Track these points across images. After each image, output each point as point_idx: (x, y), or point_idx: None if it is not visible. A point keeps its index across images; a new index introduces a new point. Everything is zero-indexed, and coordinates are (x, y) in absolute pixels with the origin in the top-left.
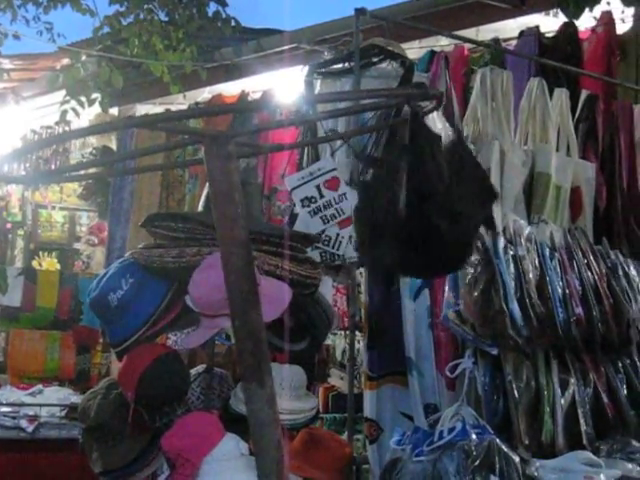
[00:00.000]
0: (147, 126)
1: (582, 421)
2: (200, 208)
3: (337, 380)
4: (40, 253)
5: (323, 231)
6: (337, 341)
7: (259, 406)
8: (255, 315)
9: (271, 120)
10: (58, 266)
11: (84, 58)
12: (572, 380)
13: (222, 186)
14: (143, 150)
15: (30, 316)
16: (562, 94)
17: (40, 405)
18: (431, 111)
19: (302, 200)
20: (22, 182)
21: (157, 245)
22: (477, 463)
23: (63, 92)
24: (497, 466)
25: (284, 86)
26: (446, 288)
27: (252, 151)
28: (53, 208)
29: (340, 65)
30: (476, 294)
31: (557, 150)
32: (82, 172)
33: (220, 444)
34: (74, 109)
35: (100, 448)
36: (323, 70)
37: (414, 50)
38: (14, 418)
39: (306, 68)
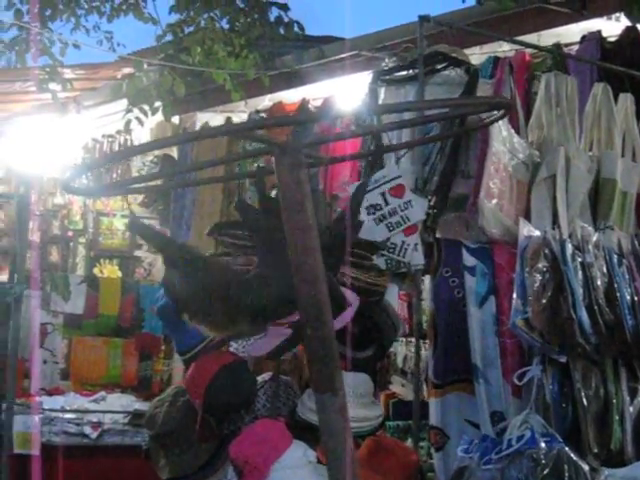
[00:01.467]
0: (216, 135)
1: None
2: None
3: (398, 387)
4: (101, 261)
5: (388, 238)
6: (398, 348)
7: (331, 415)
8: (327, 324)
9: (332, 129)
10: (119, 273)
11: (146, 67)
12: None
13: (293, 195)
14: (210, 162)
15: (92, 323)
16: (627, 99)
17: (104, 412)
18: (499, 119)
19: (367, 208)
20: (86, 194)
21: (223, 253)
22: (546, 472)
23: (124, 101)
24: (566, 475)
25: (345, 93)
26: (514, 295)
27: (315, 162)
28: (114, 216)
29: (404, 72)
30: (544, 301)
31: (622, 156)
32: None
33: (288, 452)
34: (137, 118)
35: (167, 455)
36: (387, 77)
37: (475, 56)
38: (78, 425)
39: (370, 75)
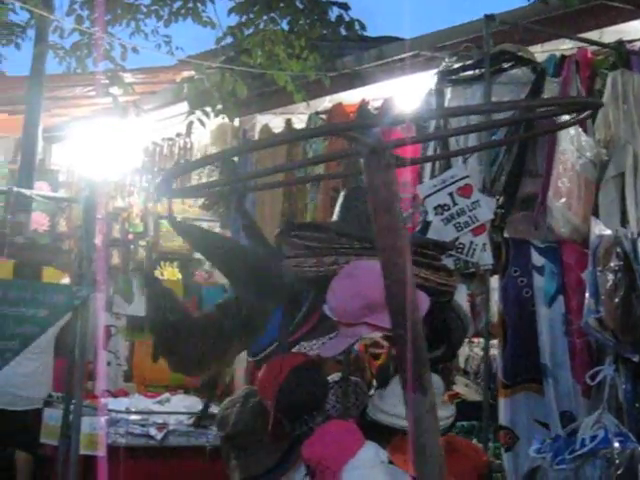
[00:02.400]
0: (293, 140)
1: None
2: (335, 217)
3: (462, 387)
4: (161, 263)
5: (457, 238)
6: (461, 348)
7: (421, 414)
8: (417, 324)
9: (392, 131)
10: (179, 276)
11: (206, 70)
12: None
13: (383, 196)
14: (285, 166)
15: None
16: None
17: (169, 413)
18: (585, 119)
19: (435, 208)
20: (176, 196)
21: (293, 255)
22: (620, 471)
23: (184, 104)
24: None
25: (405, 94)
26: (586, 294)
27: (399, 163)
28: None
29: (470, 72)
30: (617, 300)
31: None
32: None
33: (360, 452)
34: (200, 119)
35: (239, 456)
36: (453, 77)
37: (536, 54)
38: (143, 426)
39: (435, 76)
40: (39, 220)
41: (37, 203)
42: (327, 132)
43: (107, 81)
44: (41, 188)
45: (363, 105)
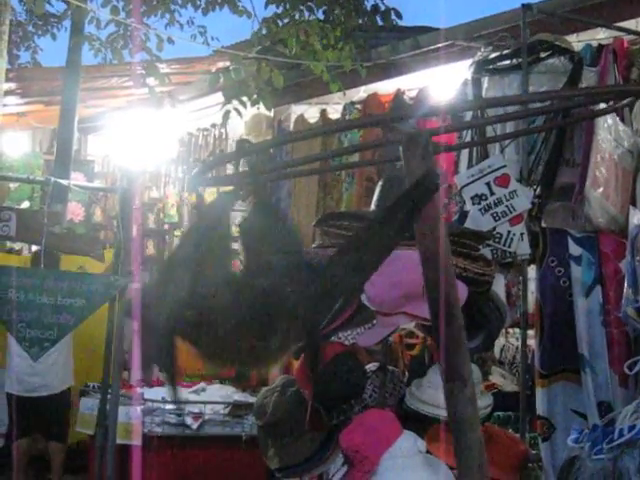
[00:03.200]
0: (332, 132)
1: None
2: (373, 206)
3: (498, 378)
4: None
5: (494, 228)
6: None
7: (462, 405)
8: (457, 315)
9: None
10: None
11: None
12: None
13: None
14: (320, 155)
15: None
16: None
17: (205, 402)
18: (622, 107)
19: (472, 197)
20: (213, 185)
21: (331, 244)
22: None
23: (218, 95)
24: None
25: (440, 84)
26: (625, 284)
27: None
28: None
29: (507, 61)
30: None
31: None
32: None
33: (398, 441)
34: (236, 109)
35: (277, 445)
36: (490, 67)
37: (573, 44)
38: (179, 415)
39: (472, 66)
40: (75, 210)
41: (72, 194)
42: (362, 124)
43: (143, 72)
44: (76, 179)
45: (398, 95)
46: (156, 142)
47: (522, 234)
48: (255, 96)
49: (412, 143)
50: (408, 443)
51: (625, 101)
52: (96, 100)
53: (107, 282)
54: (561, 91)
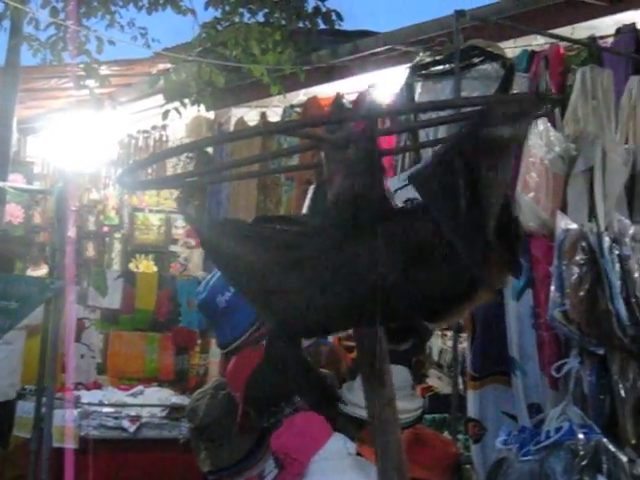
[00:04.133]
0: (265, 134)
1: None
2: (305, 210)
3: (435, 380)
4: (137, 256)
5: None
6: (434, 341)
7: (380, 406)
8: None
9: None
10: (155, 268)
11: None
12: None
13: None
14: (252, 158)
15: (129, 318)
16: None
17: (142, 405)
18: (545, 114)
19: (405, 202)
20: (139, 189)
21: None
22: (584, 463)
23: (159, 97)
24: (604, 466)
25: (379, 88)
26: (552, 288)
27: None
28: (150, 211)
29: (440, 67)
30: (582, 294)
31: None
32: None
33: (328, 443)
34: (176, 109)
35: (208, 447)
36: (423, 72)
37: (509, 50)
38: (116, 418)
39: (406, 70)
40: (14, 212)
41: (11, 195)
42: (298, 126)
43: (82, 73)
44: (15, 180)
45: (338, 99)
46: (96, 144)
47: None
48: (195, 96)
49: (334, 150)
50: (337, 445)
51: (544, 110)
52: (36, 101)
53: (42, 284)
54: (475, 98)
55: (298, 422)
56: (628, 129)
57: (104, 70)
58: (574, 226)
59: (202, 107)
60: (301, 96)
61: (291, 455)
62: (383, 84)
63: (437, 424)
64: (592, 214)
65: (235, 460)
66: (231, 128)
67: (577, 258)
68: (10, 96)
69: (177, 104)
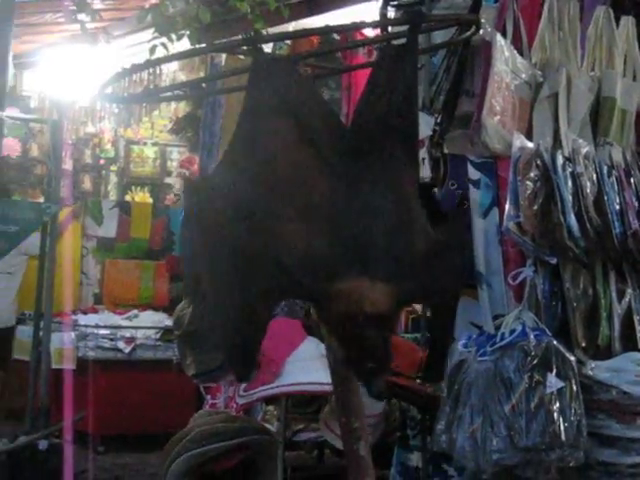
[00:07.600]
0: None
1: (638, 327)
2: None
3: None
4: (132, 188)
5: None
6: None
7: None
8: None
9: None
10: (150, 200)
11: None
12: (629, 290)
13: None
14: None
15: (125, 246)
16: (628, 22)
17: (136, 327)
18: (469, 37)
19: None
20: (121, 102)
21: None
22: (535, 362)
23: (152, 30)
24: (554, 365)
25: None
26: (507, 202)
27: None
28: (145, 144)
29: None
30: (535, 208)
31: (624, 76)
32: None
33: (302, 346)
34: (163, 44)
35: (193, 354)
36: (396, 3)
37: None
38: (112, 340)
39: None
40: (11, 146)
41: (9, 129)
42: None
43: (74, 8)
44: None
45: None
46: (91, 78)
47: (423, 159)
48: (184, 31)
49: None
50: (311, 347)
51: (471, 31)
52: (31, 36)
53: (39, 209)
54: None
55: (274, 326)
56: (594, 57)
57: (97, 4)
58: (530, 145)
59: (195, 39)
60: (290, 29)
61: (267, 356)
62: (368, 16)
63: (419, 342)
64: (556, 138)
65: (217, 363)
66: (223, 61)
67: (531, 174)
68: (5, 31)
69: (165, 39)
